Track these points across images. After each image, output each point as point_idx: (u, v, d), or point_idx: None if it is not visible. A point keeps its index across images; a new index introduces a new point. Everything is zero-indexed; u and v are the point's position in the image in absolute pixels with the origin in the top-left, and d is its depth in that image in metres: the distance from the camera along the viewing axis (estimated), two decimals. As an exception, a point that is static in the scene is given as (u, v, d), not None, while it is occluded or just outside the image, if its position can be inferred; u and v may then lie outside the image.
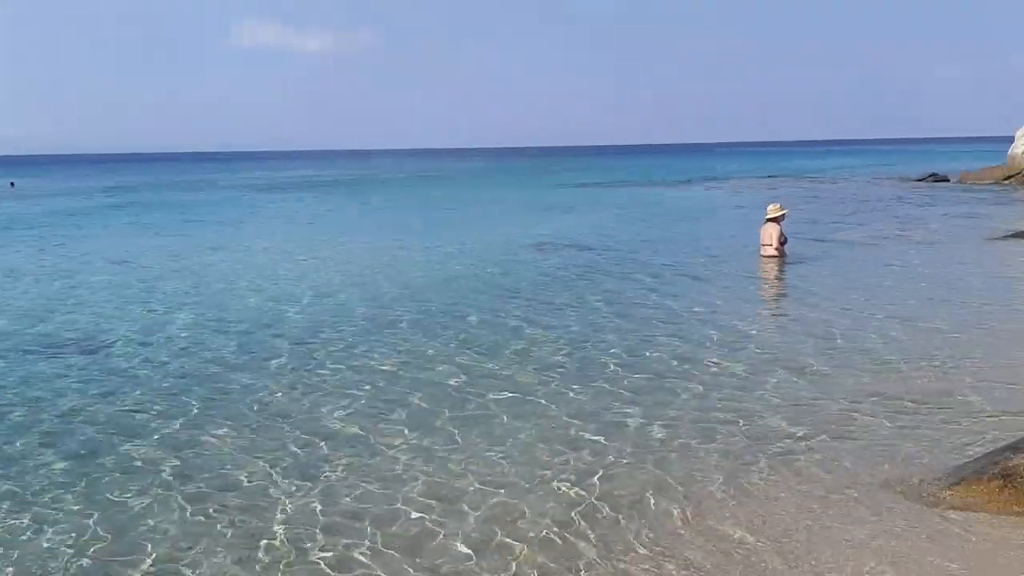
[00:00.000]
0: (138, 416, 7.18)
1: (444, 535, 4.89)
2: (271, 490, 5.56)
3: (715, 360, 8.58)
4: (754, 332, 9.84)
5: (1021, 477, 5.05)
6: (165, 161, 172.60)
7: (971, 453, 5.79)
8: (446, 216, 29.55)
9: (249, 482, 5.71)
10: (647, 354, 8.91)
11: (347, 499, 5.41)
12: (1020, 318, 10.20)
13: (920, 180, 42.25)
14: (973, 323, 9.91)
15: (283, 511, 5.23)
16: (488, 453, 6.17)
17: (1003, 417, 6.61)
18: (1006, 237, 17.58)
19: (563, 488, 5.51)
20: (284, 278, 14.90)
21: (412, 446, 6.34)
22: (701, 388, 7.62)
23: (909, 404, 7.02)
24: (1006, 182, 35.17)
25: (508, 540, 4.79)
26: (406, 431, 6.67)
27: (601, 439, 6.38)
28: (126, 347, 9.71)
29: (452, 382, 8.02)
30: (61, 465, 6.08)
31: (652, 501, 5.30)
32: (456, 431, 6.65)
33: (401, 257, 17.55)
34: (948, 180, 40.41)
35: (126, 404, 7.54)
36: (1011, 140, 37.24)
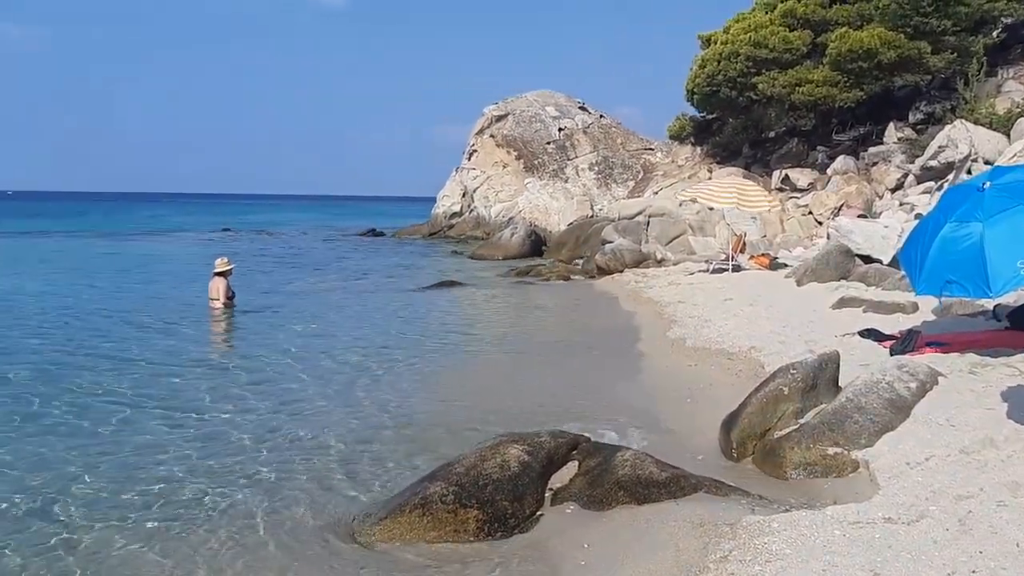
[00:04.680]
0: None
1: None
2: None
3: (154, 418, 8.17)
4: (204, 386, 9.60)
5: (436, 504, 5.61)
6: None
7: (403, 485, 6.17)
8: None
9: None
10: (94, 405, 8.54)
11: None
12: (438, 359, 11.56)
13: (362, 235, 46.14)
14: (403, 367, 10.87)
15: None
16: None
17: (427, 447, 7.30)
18: (430, 287, 20.02)
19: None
20: None
21: None
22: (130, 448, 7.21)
23: (343, 446, 7.40)
24: (431, 237, 40.33)
25: None
26: None
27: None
28: None
29: None
30: None
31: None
32: None
33: None
34: (384, 235, 44.86)
35: None
36: (435, 201, 42.93)
